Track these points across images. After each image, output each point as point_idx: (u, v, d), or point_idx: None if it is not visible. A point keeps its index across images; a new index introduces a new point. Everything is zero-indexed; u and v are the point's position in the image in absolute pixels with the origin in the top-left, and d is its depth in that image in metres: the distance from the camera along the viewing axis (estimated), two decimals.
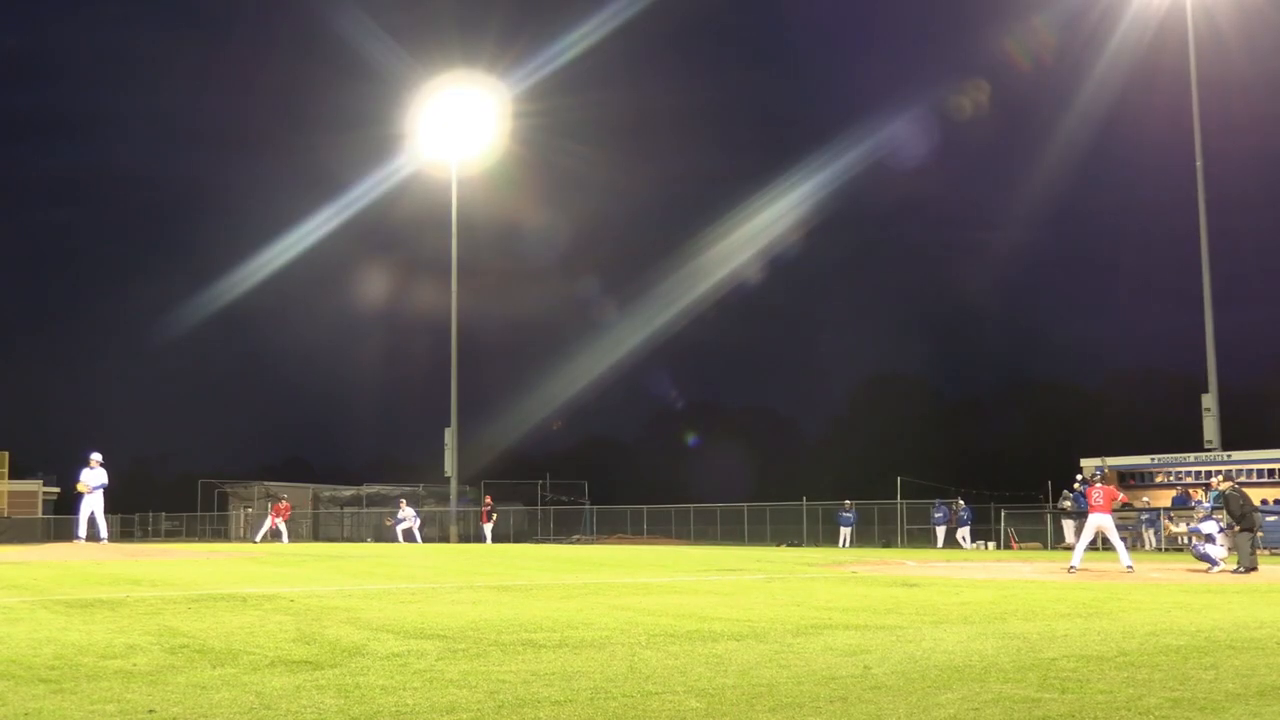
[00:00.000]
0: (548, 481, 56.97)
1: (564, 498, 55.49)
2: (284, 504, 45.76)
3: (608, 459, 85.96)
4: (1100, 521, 21.54)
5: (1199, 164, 41.21)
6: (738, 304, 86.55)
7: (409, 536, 45.11)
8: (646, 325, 76.50)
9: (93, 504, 30.22)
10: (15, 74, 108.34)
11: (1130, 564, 21.48)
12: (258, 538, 44.75)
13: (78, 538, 30.94)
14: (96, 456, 30.55)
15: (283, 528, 44.23)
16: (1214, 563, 21.17)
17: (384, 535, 47.96)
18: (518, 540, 48.11)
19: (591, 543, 45.56)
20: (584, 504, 54.08)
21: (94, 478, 30.27)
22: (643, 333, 77.08)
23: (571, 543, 45.54)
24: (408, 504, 47.25)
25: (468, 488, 54.57)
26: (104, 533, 30.60)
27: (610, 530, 49.71)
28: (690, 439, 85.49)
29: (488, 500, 48.60)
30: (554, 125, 63.29)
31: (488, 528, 46.65)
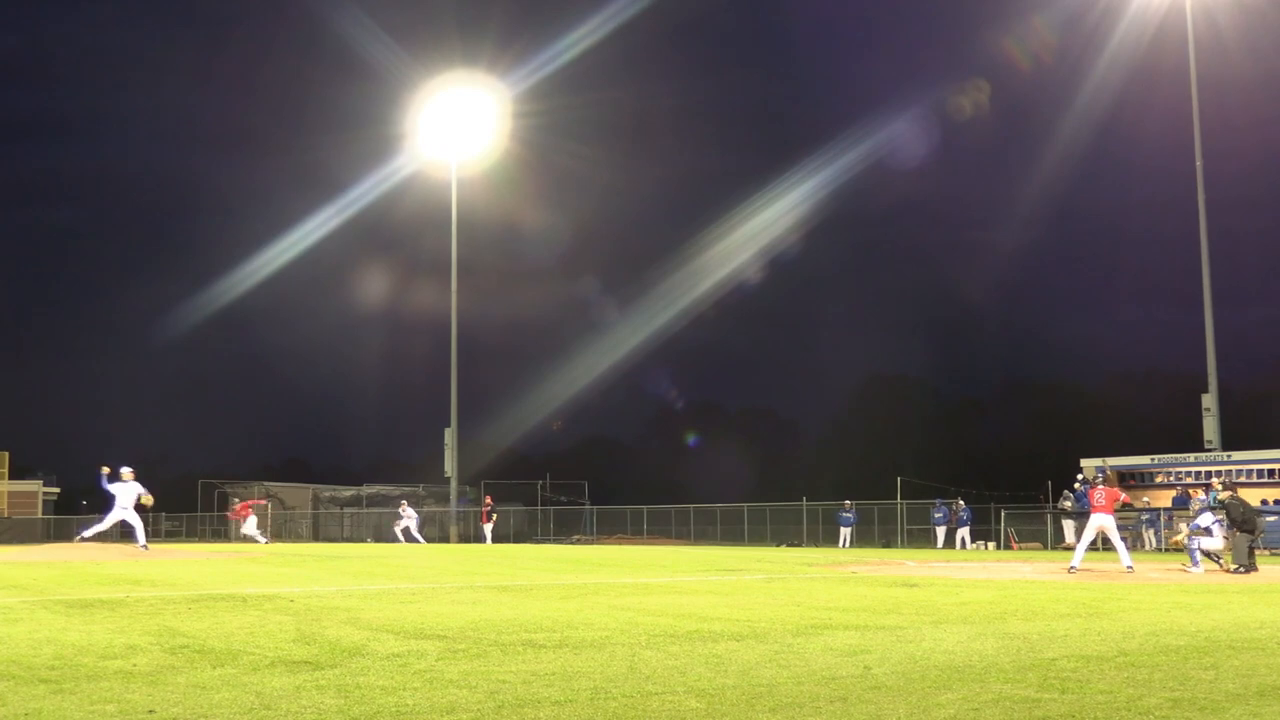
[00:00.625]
0: (548, 482, 56.97)
1: (564, 498, 55.48)
2: (241, 504, 44.62)
3: (608, 459, 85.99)
4: (1102, 522, 21.55)
5: (1199, 164, 41.21)
6: (738, 304, 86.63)
7: (409, 537, 45.09)
8: (646, 325, 76.59)
9: (123, 514, 30.44)
10: (15, 74, 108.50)
11: (1130, 564, 21.49)
12: (261, 540, 44.26)
13: (81, 537, 30.98)
14: (128, 470, 30.78)
15: (249, 529, 43.08)
16: (1195, 562, 21.25)
17: (384, 535, 47.97)
18: (518, 540, 48.11)
19: (591, 543, 45.55)
20: (584, 504, 54.06)
21: (128, 490, 30.47)
22: (643, 333, 77.18)
23: (571, 543, 45.53)
24: (409, 505, 47.27)
25: (468, 488, 54.58)
26: (143, 540, 30.69)
27: (610, 530, 49.71)
28: (690, 439, 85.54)
29: (488, 500, 48.60)
30: (554, 125, 63.33)
31: (488, 528, 46.64)
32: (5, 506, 55.68)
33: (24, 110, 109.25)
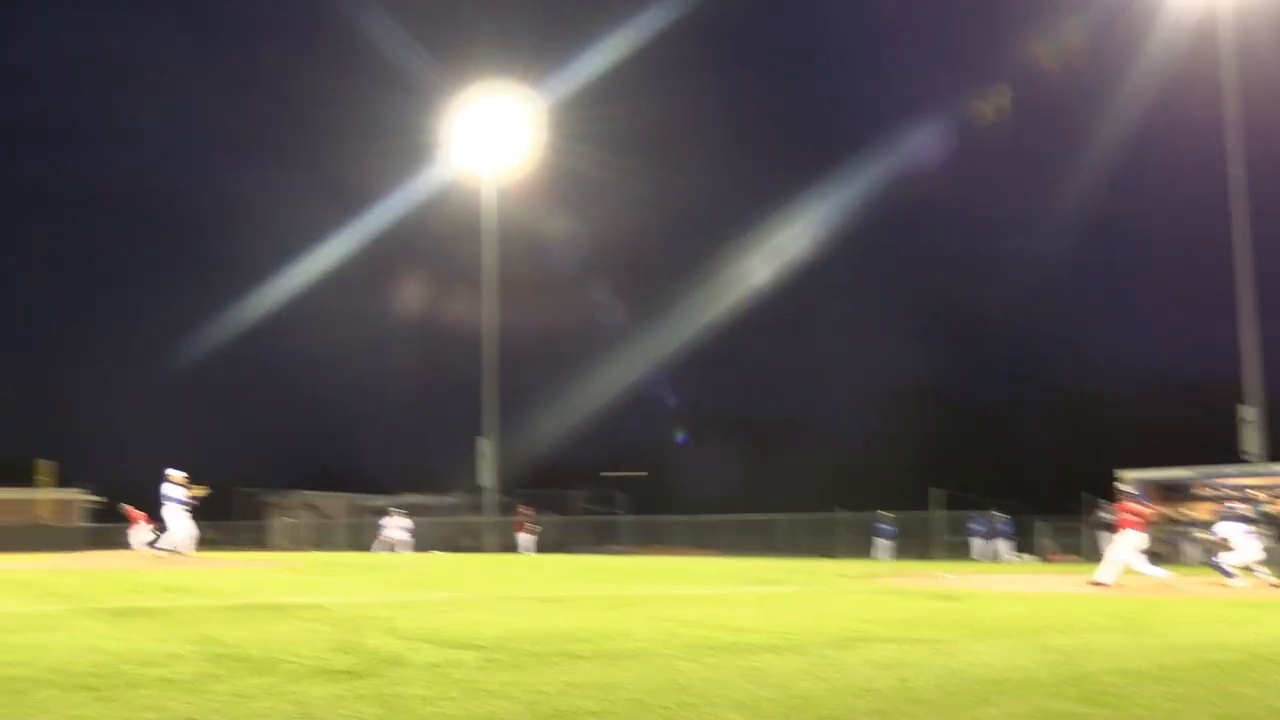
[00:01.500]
0: (584, 492, 57.02)
1: (600, 508, 55.52)
2: (131, 511, 41.98)
3: (644, 469, 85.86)
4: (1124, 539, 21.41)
5: (1236, 170, 40.87)
6: (770, 313, 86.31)
7: (388, 546, 45.05)
8: (678, 334, 76.50)
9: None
10: (37, 81, 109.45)
11: (1105, 579, 21.10)
12: (143, 545, 39.07)
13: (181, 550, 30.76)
14: (178, 474, 30.81)
15: (143, 534, 40.35)
16: (1229, 574, 21.00)
17: (421, 544, 48.06)
18: (554, 551, 48.16)
19: (628, 554, 45.55)
20: (621, 515, 54.07)
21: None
22: (674, 342, 77.14)
23: (608, 553, 45.55)
24: (399, 514, 47.31)
25: (504, 498, 54.71)
26: (162, 541, 30.66)
27: (646, 541, 49.70)
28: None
29: (524, 510, 48.66)
30: (587, 135, 63.32)
31: (524, 538, 46.70)
32: (50, 515, 56.22)
33: (46, 118, 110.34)
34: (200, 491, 31.13)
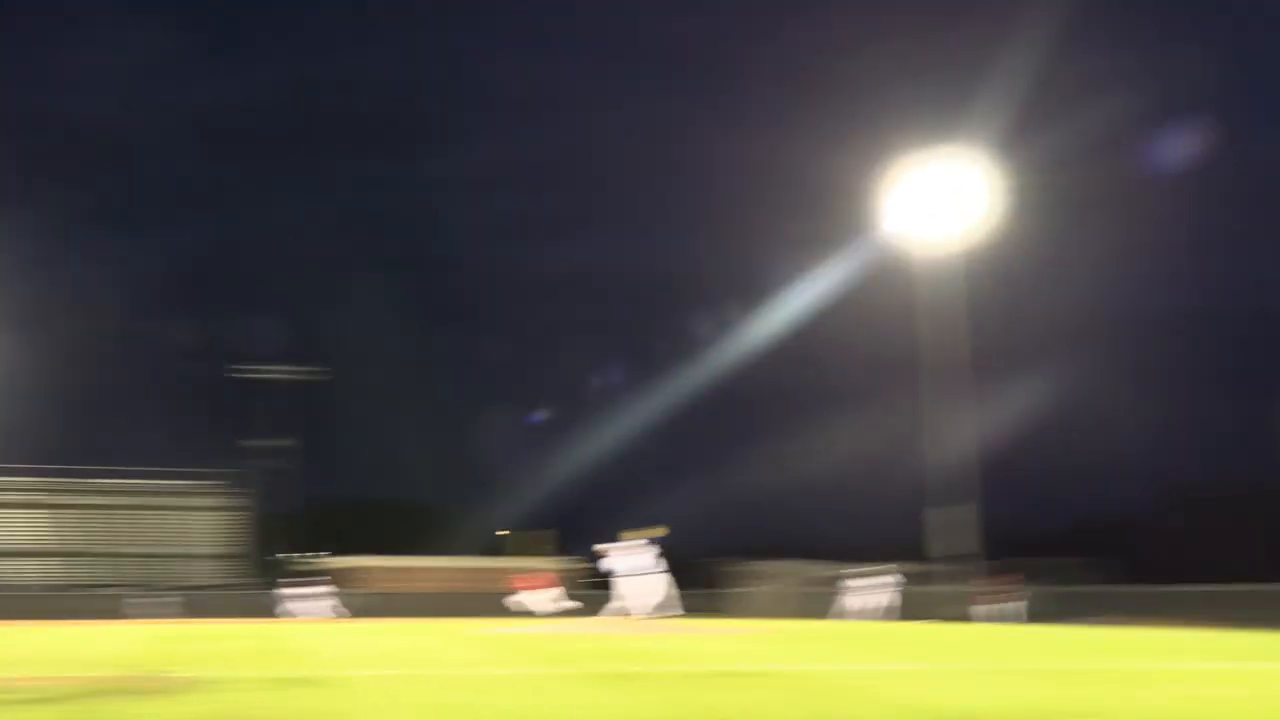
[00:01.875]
0: (1061, 560, 54.48)
1: (1082, 576, 52.87)
2: (535, 576, 41.35)
3: (1129, 535, 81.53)
4: None
5: None
6: (1254, 372, 79.95)
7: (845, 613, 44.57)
8: (1153, 400, 72.22)
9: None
10: (510, 181, 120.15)
11: None
12: (544, 611, 40.98)
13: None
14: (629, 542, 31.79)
15: (547, 602, 40.94)
16: None
17: (888, 613, 47.55)
18: (1033, 621, 46.33)
19: (1118, 625, 43.04)
20: (1107, 582, 51.22)
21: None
22: (1153, 407, 72.92)
23: (1095, 624, 43.25)
24: (861, 580, 46.78)
25: (967, 567, 53.20)
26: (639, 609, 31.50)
27: (1141, 611, 46.63)
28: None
29: (998, 579, 47.25)
30: (1046, 202, 60.73)
31: (998, 608, 45.43)
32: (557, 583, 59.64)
33: (544, 211, 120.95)
34: (660, 532, 31.77)
